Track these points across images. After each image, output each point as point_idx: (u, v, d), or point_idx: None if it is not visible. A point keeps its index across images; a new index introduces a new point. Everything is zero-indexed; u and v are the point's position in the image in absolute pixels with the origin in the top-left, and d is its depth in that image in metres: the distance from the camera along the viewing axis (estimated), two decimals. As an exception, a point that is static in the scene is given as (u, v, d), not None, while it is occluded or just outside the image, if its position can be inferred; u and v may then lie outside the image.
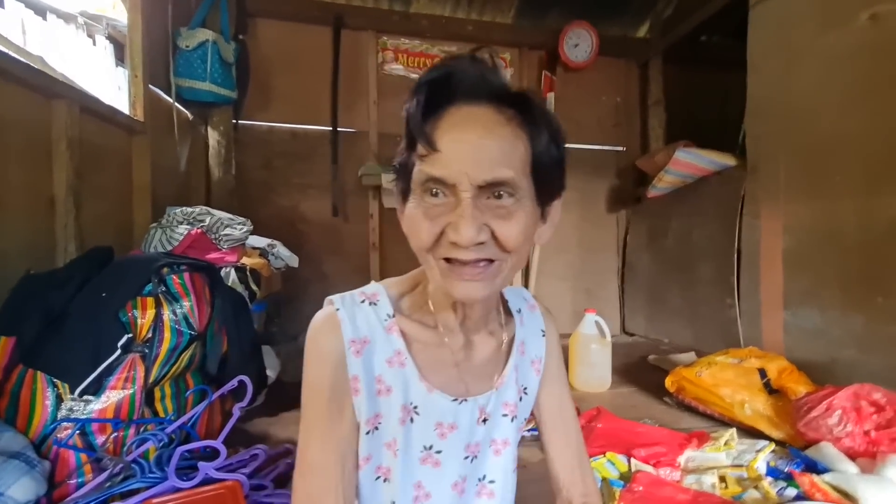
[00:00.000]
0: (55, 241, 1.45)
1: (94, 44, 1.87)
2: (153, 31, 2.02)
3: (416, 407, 0.56)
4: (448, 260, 0.49)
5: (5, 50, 1.23)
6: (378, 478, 0.56)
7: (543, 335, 0.67)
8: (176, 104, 2.17)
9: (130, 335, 1.05)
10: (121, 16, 1.91)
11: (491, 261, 0.49)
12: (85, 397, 1.01)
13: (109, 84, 1.90)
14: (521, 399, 0.63)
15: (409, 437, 0.56)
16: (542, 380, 0.66)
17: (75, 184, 1.48)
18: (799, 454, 1.20)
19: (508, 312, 0.65)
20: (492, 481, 0.61)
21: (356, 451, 0.55)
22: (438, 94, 0.48)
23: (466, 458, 0.59)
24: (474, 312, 0.58)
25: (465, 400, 0.57)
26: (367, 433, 0.55)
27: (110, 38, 1.95)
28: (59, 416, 0.99)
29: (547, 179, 0.51)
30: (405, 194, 0.52)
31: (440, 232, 0.48)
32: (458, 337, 0.58)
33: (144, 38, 1.91)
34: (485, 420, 0.59)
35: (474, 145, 0.46)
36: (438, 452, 0.57)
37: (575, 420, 0.69)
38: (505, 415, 0.61)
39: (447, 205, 0.48)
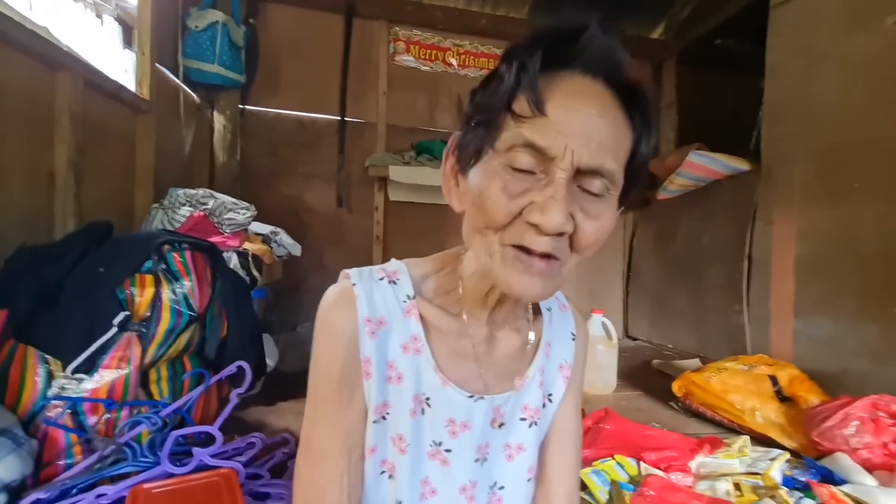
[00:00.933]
0: (54, 217, 1.41)
1: (102, 24, 1.84)
2: (163, 8, 1.99)
3: (428, 399, 0.52)
4: (515, 247, 0.43)
5: (8, 14, 1.19)
6: (383, 472, 0.52)
7: (573, 339, 0.61)
8: (183, 85, 2.13)
9: (127, 313, 1.01)
10: (130, -3, 1.87)
11: (557, 260, 0.43)
12: (77, 375, 0.97)
13: (116, 65, 1.85)
14: (544, 406, 0.58)
15: (419, 429, 0.52)
16: (566, 389, 0.60)
17: (76, 160, 1.44)
18: (814, 464, 1.16)
19: (537, 310, 0.59)
20: (502, 487, 0.56)
21: (363, 440, 0.51)
22: (561, 51, 0.41)
23: (477, 460, 0.54)
24: (505, 306, 0.53)
25: (482, 398, 0.53)
26: (375, 422, 0.51)
27: (119, 19, 1.91)
28: (49, 393, 0.95)
29: (635, 183, 0.46)
30: (473, 158, 0.45)
31: (518, 213, 0.42)
32: (482, 329, 0.54)
33: (154, 15, 1.87)
34: (501, 425, 0.54)
35: (589, 122, 0.41)
36: (448, 451, 0.52)
37: (581, 441, 0.63)
38: (523, 419, 0.56)
39: (533, 180, 0.42)
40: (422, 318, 0.52)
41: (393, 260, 0.56)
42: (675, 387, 1.65)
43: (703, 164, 2.29)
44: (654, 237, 2.88)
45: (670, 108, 2.93)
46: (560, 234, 0.41)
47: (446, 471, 0.53)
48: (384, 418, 0.51)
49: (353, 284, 0.51)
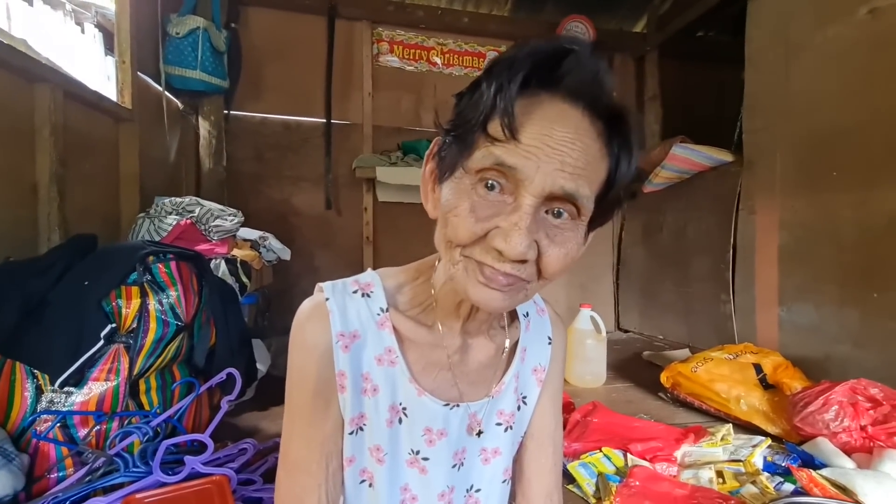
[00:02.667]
0: (38, 230, 1.41)
1: (83, 32, 1.82)
2: (142, 16, 1.97)
3: (405, 408, 0.53)
4: (478, 262, 0.43)
5: (-16, 29, 1.18)
6: (363, 481, 0.53)
7: (549, 343, 0.62)
8: (165, 92, 2.12)
9: (114, 325, 1.02)
10: (109, 3, 1.86)
11: (520, 279, 0.43)
12: (66, 389, 0.97)
13: (99, 73, 1.84)
14: (518, 409, 0.59)
15: (396, 438, 0.53)
16: (540, 391, 0.61)
17: (59, 171, 1.44)
18: (795, 449, 1.19)
19: (514, 316, 0.60)
20: (478, 490, 0.58)
21: (340, 450, 0.52)
22: (542, 75, 0.41)
23: (454, 466, 0.55)
24: (479, 315, 0.53)
25: (457, 405, 0.54)
26: (351, 433, 0.52)
27: (99, 26, 1.90)
28: (38, 408, 0.96)
29: (610, 208, 0.46)
30: (448, 171, 0.45)
31: (483, 234, 0.42)
32: (456, 339, 0.54)
33: (133, 22, 1.86)
34: (479, 433, 0.55)
35: (562, 148, 0.40)
36: (426, 460, 0.54)
37: (562, 445, 0.64)
38: (499, 423, 0.57)
39: (500, 205, 0.41)
40: (395, 329, 0.52)
41: (368, 271, 0.56)
42: (663, 378, 1.68)
43: (687, 157, 2.31)
44: (641, 230, 2.91)
45: (654, 101, 2.94)
46: (522, 262, 0.42)
47: (425, 478, 0.54)
48: (361, 429, 0.52)
49: (327, 299, 0.51)
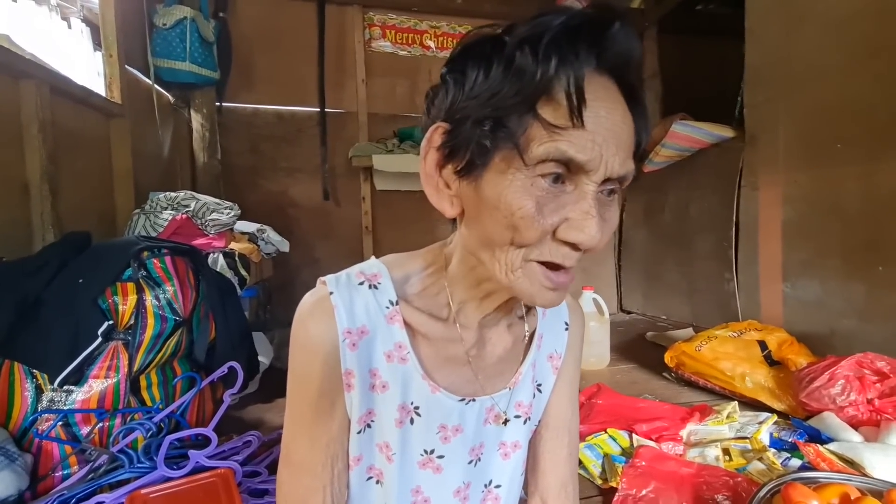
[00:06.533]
0: (32, 229, 1.39)
1: (70, 27, 1.79)
2: (127, 7, 1.93)
3: (417, 407, 0.50)
4: (540, 262, 0.41)
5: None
6: (370, 478, 0.51)
7: (567, 328, 0.59)
8: (155, 86, 2.08)
9: (111, 322, 1.01)
10: (95, -4, 1.82)
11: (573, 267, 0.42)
12: (66, 387, 0.97)
13: (88, 69, 1.81)
14: (534, 396, 0.57)
15: (407, 440, 0.50)
16: (556, 378, 0.59)
17: (50, 169, 1.42)
18: (802, 425, 1.18)
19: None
20: (498, 486, 0.56)
21: (346, 450, 0.50)
22: (591, 45, 0.37)
23: (470, 462, 0.53)
24: (501, 309, 0.51)
25: (473, 400, 0.51)
26: (359, 432, 0.49)
27: (86, 20, 1.86)
28: (39, 407, 0.95)
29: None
30: (475, 165, 0.40)
31: (551, 230, 0.39)
32: (473, 332, 0.51)
33: (118, 15, 1.82)
34: (506, 422, 0.53)
35: (618, 129, 0.38)
36: (441, 458, 0.51)
37: (578, 434, 0.62)
38: (518, 416, 0.55)
39: (562, 195, 0.39)
40: (406, 324, 0.49)
41: (373, 259, 0.53)
42: (667, 357, 1.67)
43: (688, 134, 2.27)
44: (643, 210, 2.88)
45: (653, 78, 2.89)
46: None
47: (439, 478, 0.52)
48: (369, 426, 0.50)
49: (331, 293, 0.47)
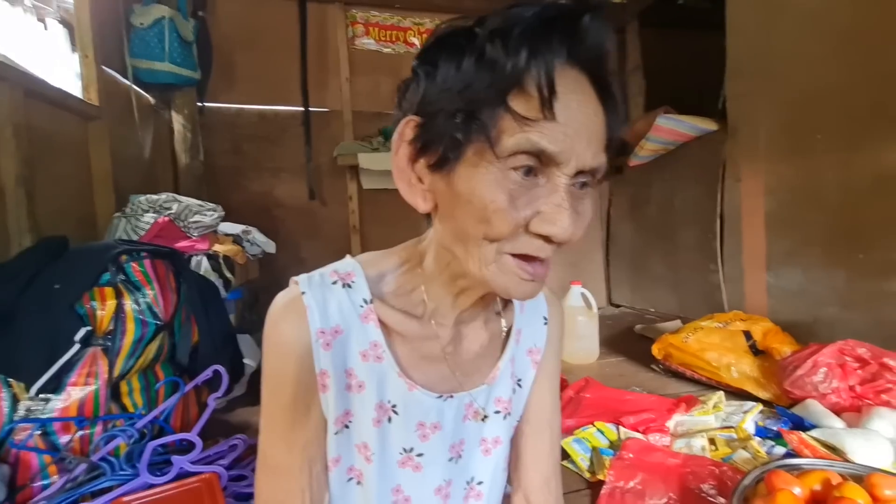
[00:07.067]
0: (9, 235, 1.36)
1: (46, 28, 1.75)
2: (103, 7, 1.89)
3: (394, 406, 0.50)
4: (514, 255, 0.41)
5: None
6: (350, 479, 0.51)
7: (545, 322, 0.59)
8: (134, 87, 2.04)
9: (89, 328, 0.99)
10: (70, -5, 1.78)
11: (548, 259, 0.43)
12: (43, 396, 0.94)
13: (66, 71, 1.77)
14: (514, 392, 0.57)
15: (385, 439, 0.50)
16: (536, 373, 0.59)
17: (26, 173, 1.38)
18: (786, 413, 1.20)
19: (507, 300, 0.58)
20: (480, 482, 0.55)
21: (324, 452, 0.50)
22: (563, 38, 0.37)
23: (451, 459, 0.53)
24: (477, 304, 0.50)
25: (451, 396, 0.51)
26: (337, 433, 0.49)
27: (63, 21, 1.82)
28: (15, 417, 0.93)
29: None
30: (447, 158, 0.40)
31: (524, 223, 0.39)
32: (449, 329, 0.51)
33: (93, 15, 1.78)
34: (485, 418, 0.53)
35: (590, 122, 0.39)
36: (420, 455, 0.51)
37: (560, 429, 0.63)
38: (498, 411, 0.55)
39: (535, 187, 0.39)
40: (381, 322, 0.49)
41: (348, 257, 0.52)
42: (655, 349, 1.69)
43: (672, 128, 2.29)
44: (629, 204, 2.90)
45: (636, 72, 2.90)
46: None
47: (419, 476, 0.52)
48: (347, 427, 0.49)
49: (303, 293, 0.47)
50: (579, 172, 0.40)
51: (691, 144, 2.32)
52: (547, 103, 0.36)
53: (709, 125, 2.22)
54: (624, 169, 2.77)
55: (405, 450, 0.51)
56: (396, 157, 0.45)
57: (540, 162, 0.38)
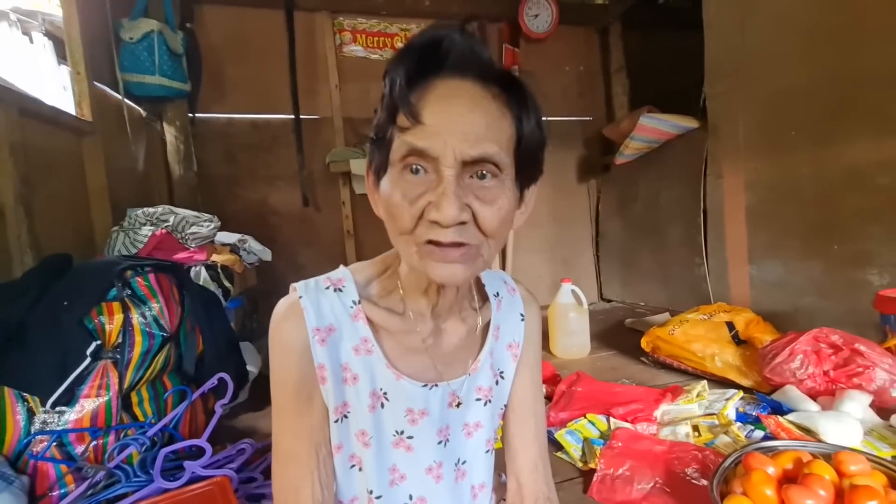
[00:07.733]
0: (10, 254, 1.38)
1: (32, 42, 1.76)
2: (92, 22, 1.91)
3: (385, 393, 0.56)
4: (428, 242, 0.46)
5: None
6: (352, 466, 0.57)
7: (523, 319, 0.65)
8: (125, 101, 2.07)
9: (99, 342, 1.03)
10: (57, 10, 1.80)
11: (470, 245, 0.47)
12: (58, 409, 0.98)
13: (53, 84, 1.79)
14: (497, 383, 0.63)
15: (380, 422, 0.56)
16: (517, 366, 0.65)
17: (24, 192, 1.41)
18: (765, 398, 1.27)
19: (485, 297, 0.63)
20: (464, 462, 0.62)
21: (329, 438, 0.56)
22: (426, 62, 0.45)
23: (440, 442, 0.59)
24: (446, 298, 0.56)
25: (436, 385, 0.57)
26: (337, 421, 0.55)
27: (48, 34, 1.83)
28: (32, 429, 0.97)
29: (529, 162, 0.50)
30: (380, 171, 0.49)
31: (420, 214, 0.46)
32: (428, 323, 0.57)
33: (83, 31, 1.80)
34: (458, 404, 0.59)
35: (462, 119, 0.45)
36: (410, 438, 0.57)
37: (544, 415, 0.68)
38: (478, 399, 0.61)
39: (428, 183, 0.45)
40: (369, 320, 0.55)
41: (340, 267, 0.59)
42: (644, 343, 1.75)
43: (655, 126, 2.36)
44: (617, 201, 2.97)
45: (620, 72, 2.97)
46: (462, 224, 0.45)
47: (411, 456, 0.58)
48: (346, 417, 0.56)
49: (300, 297, 0.54)
50: (468, 163, 0.45)
51: (675, 142, 2.40)
52: (409, 114, 0.44)
53: (690, 123, 2.29)
54: (611, 167, 2.83)
55: (397, 432, 0.57)
56: (367, 171, 0.53)
57: (423, 160, 0.45)
